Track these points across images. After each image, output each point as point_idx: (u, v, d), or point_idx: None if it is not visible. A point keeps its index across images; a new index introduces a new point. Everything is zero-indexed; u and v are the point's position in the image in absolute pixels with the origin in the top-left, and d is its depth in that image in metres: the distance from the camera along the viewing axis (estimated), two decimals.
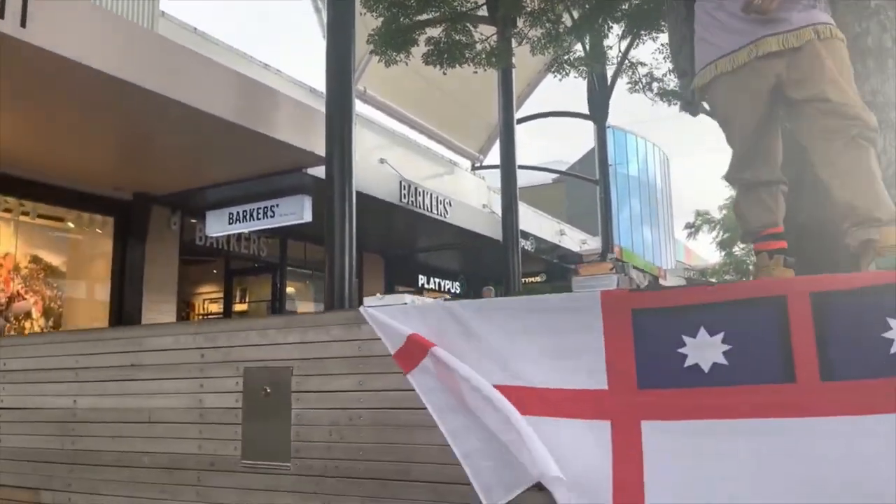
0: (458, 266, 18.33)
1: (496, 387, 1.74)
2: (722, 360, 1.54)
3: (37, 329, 10.29)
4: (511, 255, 12.18)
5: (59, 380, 2.51)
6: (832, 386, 1.43)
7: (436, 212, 12.33)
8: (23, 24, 5.75)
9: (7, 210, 9.69)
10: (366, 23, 10.51)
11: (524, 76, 17.24)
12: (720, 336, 1.54)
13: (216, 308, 15.65)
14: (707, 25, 2.69)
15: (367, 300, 1.96)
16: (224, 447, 2.13)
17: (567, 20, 10.66)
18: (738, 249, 31.63)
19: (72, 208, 10.35)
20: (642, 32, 10.16)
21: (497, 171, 14.47)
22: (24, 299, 10.20)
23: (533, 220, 22.65)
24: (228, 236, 12.08)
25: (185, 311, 15.44)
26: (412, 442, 1.86)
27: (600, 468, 1.60)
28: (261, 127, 8.04)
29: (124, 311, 10.65)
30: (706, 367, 1.55)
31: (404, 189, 11.46)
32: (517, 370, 1.74)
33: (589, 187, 18.17)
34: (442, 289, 18.74)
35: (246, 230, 11.41)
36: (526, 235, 16.11)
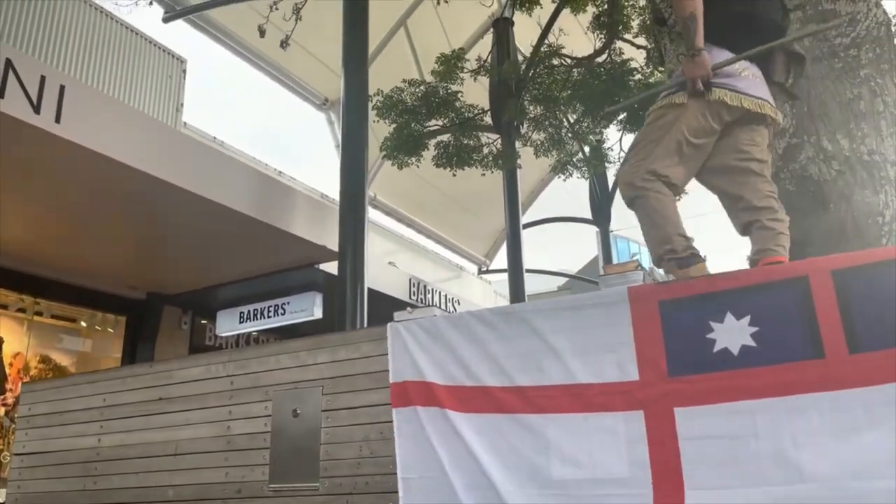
0: None
1: (522, 388, 1.76)
2: (750, 342, 1.57)
3: None
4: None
5: (84, 420, 2.51)
6: (861, 358, 1.45)
7: (444, 309, 12.40)
8: (57, 120, 6.11)
9: (21, 310, 9.81)
10: (375, 131, 11.05)
11: (528, 182, 17.83)
12: (747, 319, 1.58)
13: None
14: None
15: (396, 315, 2.01)
16: (251, 473, 2.11)
17: (566, 124, 11.20)
18: None
19: (86, 307, 10.46)
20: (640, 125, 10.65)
21: (503, 277, 14.64)
22: None
23: None
24: (238, 335, 12.11)
25: None
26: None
27: (637, 458, 1.59)
28: (277, 222, 8.30)
29: None
30: (735, 351, 1.58)
31: (413, 287, 11.59)
32: (548, 369, 1.77)
33: None
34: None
35: (257, 329, 11.45)
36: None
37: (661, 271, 1.85)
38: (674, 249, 2.10)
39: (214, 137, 12.54)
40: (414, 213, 17.81)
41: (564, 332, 1.78)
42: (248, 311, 10.87)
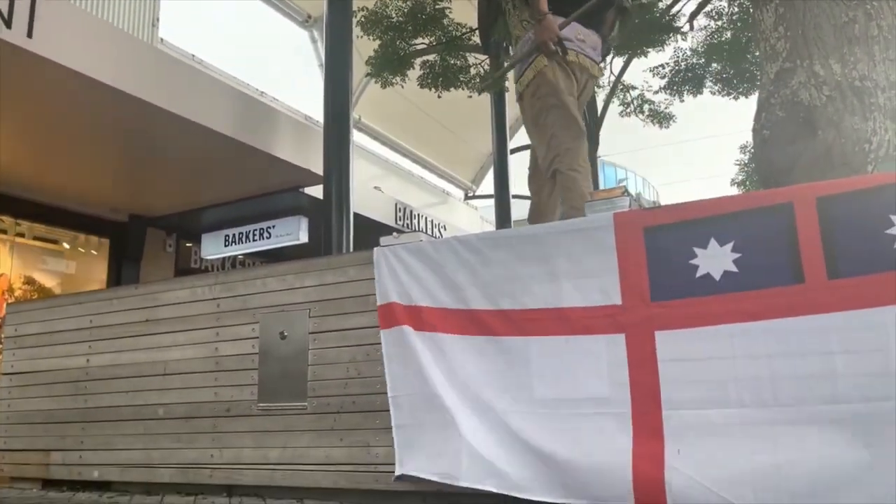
0: None
1: (506, 311, 1.79)
2: (732, 268, 1.59)
3: None
4: None
5: (72, 340, 2.53)
6: (839, 283, 1.49)
7: (431, 236, 12.43)
8: (29, 35, 5.87)
9: (3, 231, 9.71)
10: (360, 50, 10.73)
11: (516, 108, 17.58)
12: (730, 245, 1.60)
13: None
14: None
15: (382, 239, 2.01)
16: (240, 392, 2.15)
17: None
18: None
19: (68, 229, 10.38)
20: (637, 52, 10.40)
21: (490, 203, 14.61)
22: None
23: None
24: (223, 258, 12.11)
25: None
26: None
27: (617, 379, 1.64)
28: (260, 144, 8.16)
29: None
30: (717, 276, 1.60)
31: (399, 212, 11.57)
32: (533, 293, 1.79)
33: None
34: None
35: (242, 252, 11.45)
36: None
37: (648, 197, 1.85)
38: None
39: (193, 55, 12.14)
40: (400, 137, 17.57)
41: (549, 257, 1.79)
42: (233, 235, 10.85)
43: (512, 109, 14.38)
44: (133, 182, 9.53)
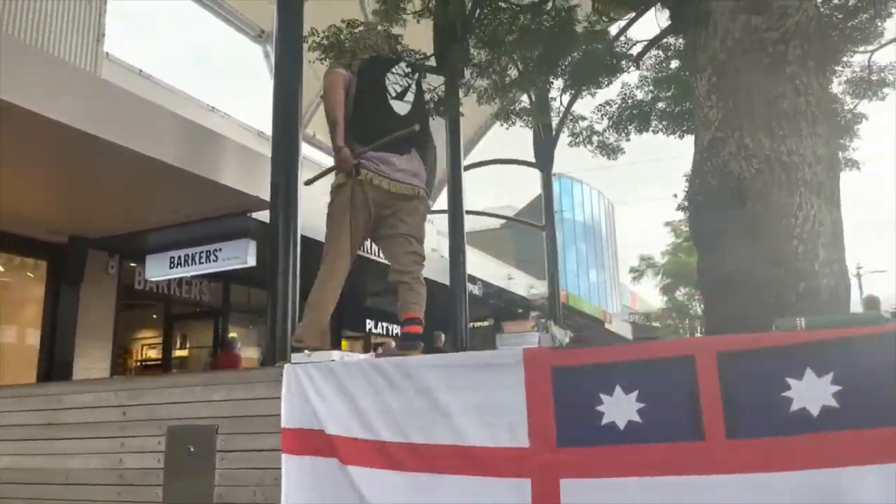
0: None
1: (416, 445, 1.75)
2: (636, 418, 1.59)
3: None
4: (459, 299, 12.23)
5: None
6: (737, 444, 1.49)
7: (382, 257, 12.33)
8: None
9: None
10: (315, 70, 10.60)
11: (474, 122, 17.61)
12: (635, 394, 1.59)
13: (155, 354, 15.19)
14: None
15: (293, 356, 1.96)
16: None
17: (513, 73, 10.97)
18: (679, 294, 32.52)
19: (2, 251, 10.00)
20: (582, 89, 10.57)
21: (446, 216, 14.58)
22: None
23: (481, 265, 22.84)
24: (169, 281, 11.83)
25: (122, 357, 14.93)
26: None
27: None
28: (205, 171, 7.99)
29: (55, 357, 10.25)
30: (622, 425, 1.59)
31: None
32: (441, 428, 1.76)
33: (536, 232, 18.53)
34: (390, 333, 18.60)
35: (188, 274, 11.20)
36: (474, 280, 16.23)
37: (557, 330, 1.83)
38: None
39: (140, 70, 11.85)
40: None
41: (459, 390, 1.76)
42: (179, 257, 10.60)
43: (467, 126, 14.38)
44: (73, 204, 9.22)
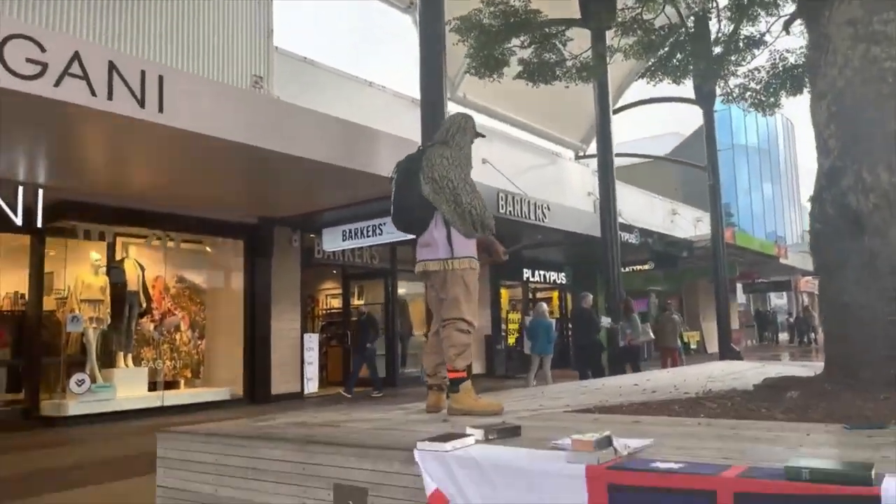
0: (563, 257, 18.60)
1: None
2: None
3: (185, 340, 11.81)
4: (609, 251, 12.27)
5: (204, 471, 3.32)
6: None
7: (533, 217, 12.73)
8: (160, 110, 6.76)
9: (158, 239, 11.15)
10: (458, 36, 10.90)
11: (625, 66, 17.06)
12: None
13: (336, 303, 16.98)
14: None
15: (419, 444, 2.56)
16: None
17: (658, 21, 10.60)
18: None
19: (208, 234, 11.70)
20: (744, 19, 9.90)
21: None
22: (174, 315, 11.72)
23: (644, 204, 22.37)
24: (343, 249, 13.08)
25: (310, 306, 16.87)
26: None
27: None
28: (362, 165, 8.81)
29: (256, 318, 11.96)
30: None
31: (501, 200, 11.95)
32: None
33: (705, 160, 17.50)
34: (547, 280, 19.11)
35: (358, 246, 12.38)
36: (630, 229, 16.15)
37: (619, 445, 2.26)
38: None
39: (305, 58, 12.89)
40: (507, 109, 17.68)
41: (538, 491, 2.26)
42: (350, 230, 11.76)
43: (615, 72, 13.99)
44: (258, 194, 10.57)
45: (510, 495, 2.35)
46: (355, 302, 16.01)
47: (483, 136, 4.13)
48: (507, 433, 2.77)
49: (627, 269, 17.76)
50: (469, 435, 2.68)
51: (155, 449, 3.58)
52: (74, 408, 9.38)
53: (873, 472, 1.80)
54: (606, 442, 2.27)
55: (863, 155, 3.74)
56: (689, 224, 24.60)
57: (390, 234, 11.17)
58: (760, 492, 1.88)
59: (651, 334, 11.50)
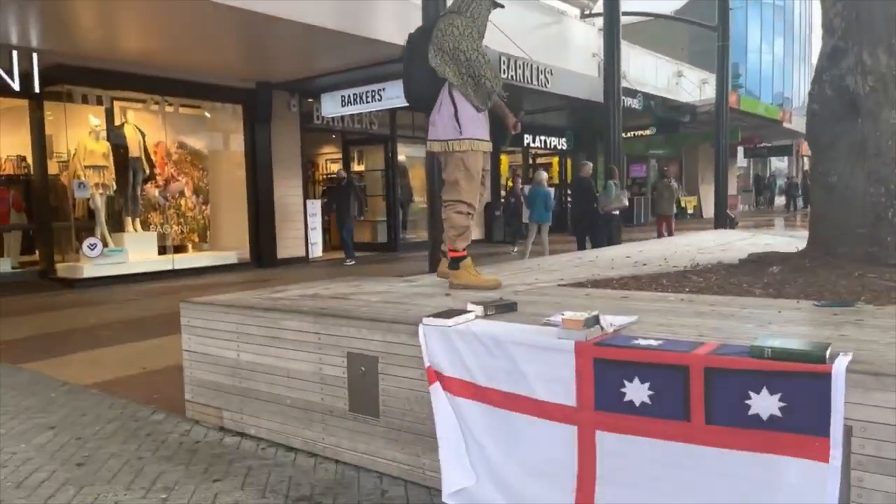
0: (565, 122, 18.42)
1: (502, 391, 2.59)
2: (647, 400, 2.27)
3: (190, 206, 12.02)
4: (612, 117, 12.17)
5: (226, 338, 3.61)
6: (710, 427, 2.14)
7: (536, 83, 12.52)
8: None
9: (156, 103, 11.05)
10: None
11: None
12: (647, 385, 2.26)
13: (336, 168, 17.08)
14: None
15: (425, 319, 2.80)
16: (337, 401, 3.14)
17: None
18: None
19: (206, 99, 11.57)
20: None
21: None
22: (178, 180, 11.86)
23: (649, 65, 21.76)
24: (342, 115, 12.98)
25: (310, 171, 16.97)
26: None
27: (569, 454, 2.45)
28: (360, 30, 8.60)
29: (259, 184, 12.11)
30: (637, 403, 2.29)
31: (504, 64, 11.70)
32: (521, 382, 2.56)
33: (714, 18, 16.81)
34: (548, 146, 19.03)
35: (357, 111, 12.26)
36: (633, 93, 15.89)
37: (605, 323, 2.50)
38: None
39: None
40: None
41: (533, 363, 2.52)
42: (349, 96, 11.62)
43: None
44: (256, 57, 10.35)
45: (506, 366, 2.62)
46: (355, 167, 16.08)
47: (502, 6, 3.94)
48: (504, 309, 3.01)
49: (629, 135, 17.67)
50: (469, 311, 2.93)
51: (171, 311, 3.86)
52: (89, 270, 9.77)
53: (828, 352, 2.05)
54: (594, 321, 2.51)
55: (865, 36, 3.74)
56: (695, 87, 24.04)
57: (390, 99, 11.07)
58: (728, 367, 2.14)
59: (625, 201, 11.61)
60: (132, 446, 3.56)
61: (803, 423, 2.01)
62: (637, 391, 2.33)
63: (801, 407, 2.02)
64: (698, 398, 2.20)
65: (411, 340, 2.87)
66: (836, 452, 1.95)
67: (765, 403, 2.06)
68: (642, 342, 2.38)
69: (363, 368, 3.05)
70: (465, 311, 2.91)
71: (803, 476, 2.01)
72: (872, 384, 1.93)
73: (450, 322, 2.79)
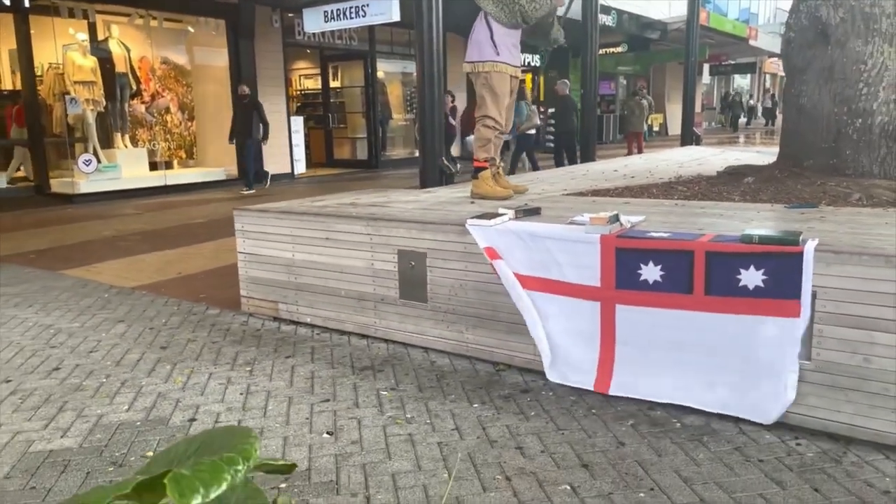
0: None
1: (539, 277, 3.19)
2: (658, 279, 2.89)
3: (176, 122, 12.14)
4: (589, 34, 12.43)
5: (280, 241, 4.12)
6: (709, 298, 2.78)
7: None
8: None
9: (140, 17, 10.98)
10: None
11: None
12: (659, 266, 2.88)
13: (311, 84, 17.09)
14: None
15: (469, 220, 3.36)
16: (388, 291, 3.72)
17: None
18: None
19: (188, 14, 11.51)
20: None
21: None
22: (163, 96, 11.92)
23: None
24: (324, 32, 12.98)
25: (289, 88, 16.95)
26: (495, 300, 3.36)
27: (594, 325, 3.09)
28: None
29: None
30: (651, 282, 2.91)
31: None
32: (554, 270, 3.15)
33: None
34: (522, 63, 19.18)
35: (340, 28, 12.31)
36: (607, 11, 16.11)
37: (623, 220, 3.10)
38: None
39: None
40: None
41: (565, 253, 3.11)
42: (332, 11, 11.63)
43: None
44: None
45: (542, 257, 3.22)
46: (332, 84, 16.15)
47: None
48: (531, 213, 3.59)
49: (601, 52, 17.94)
50: (504, 214, 3.50)
51: (181, 223, 4.31)
52: (85, 185, 10.01)
53: (801, 237, 2.68)
54: (615, 218, 3.10)
55: None
56: (665, 3, 24.25)
57: (374, 15, 11.17)
58: (724, 251, 2.77)
59: (537, 120, 11.96)
60: (203, 333, 4.12)
61: (781, 290, 2.67)
62: (651, 272, 2.95)
63: (780, 278, 2.67)
64: (700, 275, 2.83)
65: (457, 238, 3.43)
66: (804, 310, 2.63)
67: (752, 277, 2.70)
68: (654, 234, 2.99)
69: (412, 263, 3.61)
70: (499, 214, 3.48)
71: (780, 328, 2.69)
72: (833, 260, 2.56)
73: (490, 222, 3.35)
